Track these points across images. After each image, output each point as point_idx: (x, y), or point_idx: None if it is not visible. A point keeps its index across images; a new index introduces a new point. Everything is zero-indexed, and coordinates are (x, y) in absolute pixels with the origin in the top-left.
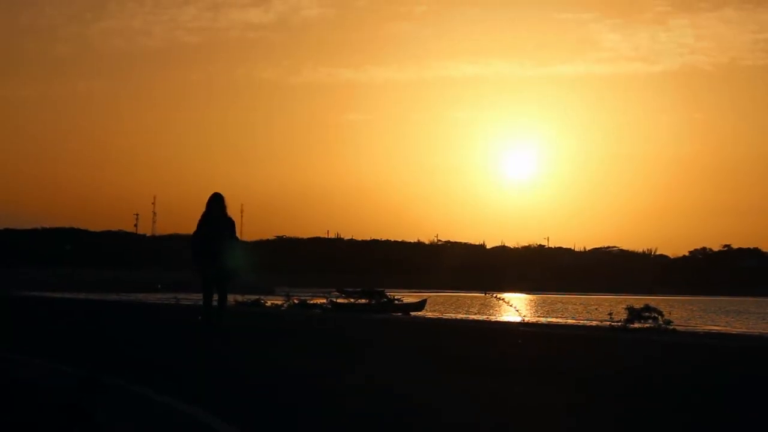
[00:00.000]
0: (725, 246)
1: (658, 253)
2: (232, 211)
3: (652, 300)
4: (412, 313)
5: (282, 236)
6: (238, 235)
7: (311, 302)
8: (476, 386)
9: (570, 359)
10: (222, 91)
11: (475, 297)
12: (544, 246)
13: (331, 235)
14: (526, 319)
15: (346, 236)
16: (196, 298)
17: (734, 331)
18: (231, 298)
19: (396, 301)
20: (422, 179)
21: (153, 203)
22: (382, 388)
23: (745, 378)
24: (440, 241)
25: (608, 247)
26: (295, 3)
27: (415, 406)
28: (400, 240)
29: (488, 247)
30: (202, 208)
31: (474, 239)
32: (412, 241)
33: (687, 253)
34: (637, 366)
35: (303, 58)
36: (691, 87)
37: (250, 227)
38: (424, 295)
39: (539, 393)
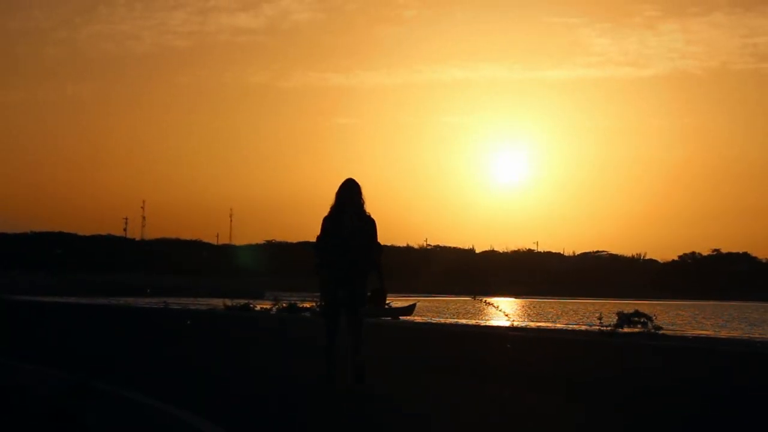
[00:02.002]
0: (715, 250)
1: (647, 257)
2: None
3: (642, 304)
4: (402, 318)
5: (272, 240)
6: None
7: (300, 306)
8: (465, 391)
9: (559, 363)
10: (211, 96)
11: (465, 301)
12: (533, 250)
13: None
14: (515, 324)
15: None
16: (185, 302)
17: (723, 335)
18: (219, 301)
19: (386, 306)
20: (411, 183)
21: (142, 207)
22: (368, 390)
23: (734, 382)
24: (429, 245)
25: (597, 252)
26: (285, 7)
27: (402, 411)
28: (389, 244)
29: (477, 251)
30: (192, 213)
31: (463, 243)
32: (401, 245)
33: (676, 258)
34: (628, 369)
35: (292, 62)
36: (681, 91)
37: (240, 231)
38: (414, 299)
39: (529, 398)
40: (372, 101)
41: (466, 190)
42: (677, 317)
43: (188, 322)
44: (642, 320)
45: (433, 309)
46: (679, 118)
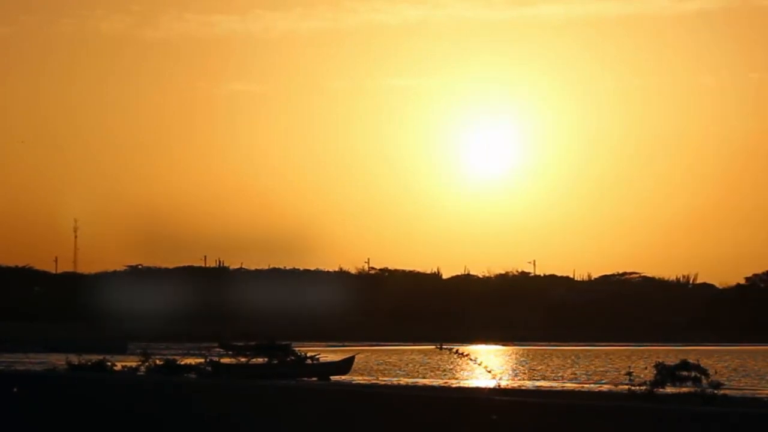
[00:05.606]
0: None
1: (699, 281)
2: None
3: (692, 351)
4: (334, 378)
5: (137, 266)
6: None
7: (182, 363)
8: None
9: None
10: (42, 51)
11: (426, 352)
12: (529, 274)
13: (210, 264)
14: (503, 384)
15: (233, 264)
16: (11, 360)
17: None
18: (62, 357)
19: (309, 360)
20: (345, 179)
21: None
22: None
23: None
24: (373, 269)
25: (624, 274)
26: None
27: None
28: (312, 269)
29: (445, 276)
30: (15, 229)
31: (424, 266)
32: (330, 270)
33: (742, 281)
34: None
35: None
36: (744, 32)
37: (90, 254)
38: (351, 350)
39: None
40: (282, 57)
41: (427, 186)
42: (745, 370)
43: (15, 389)
44: (692, 375)
45: (380, 364)
46: (742, 74)
